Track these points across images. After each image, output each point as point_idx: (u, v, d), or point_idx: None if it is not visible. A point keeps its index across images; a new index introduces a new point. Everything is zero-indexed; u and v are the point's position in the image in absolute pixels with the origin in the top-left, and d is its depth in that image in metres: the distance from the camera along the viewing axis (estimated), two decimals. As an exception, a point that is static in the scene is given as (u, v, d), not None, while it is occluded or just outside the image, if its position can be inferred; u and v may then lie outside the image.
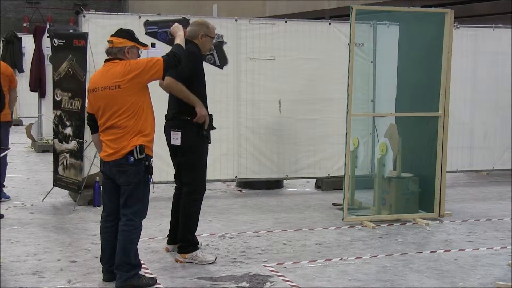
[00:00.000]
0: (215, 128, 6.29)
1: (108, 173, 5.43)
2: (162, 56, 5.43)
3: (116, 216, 5.46)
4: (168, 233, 6.58)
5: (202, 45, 6.24)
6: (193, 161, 6.16)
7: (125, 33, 5.50)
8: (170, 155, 6.35)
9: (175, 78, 5.95)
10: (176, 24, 5.91)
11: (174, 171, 6.46)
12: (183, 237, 6.21)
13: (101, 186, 6.71)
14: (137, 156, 5.27)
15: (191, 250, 6.16)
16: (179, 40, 5.69)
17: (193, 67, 6.03)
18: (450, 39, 7.95)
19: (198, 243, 6.32)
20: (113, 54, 5.44)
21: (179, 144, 6.05)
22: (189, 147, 6.09)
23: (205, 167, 6.26)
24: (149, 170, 5.38)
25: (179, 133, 6.02)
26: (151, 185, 5.57)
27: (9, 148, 10.60)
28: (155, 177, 7.77)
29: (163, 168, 8.38)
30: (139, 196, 5.38)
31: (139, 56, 5.57)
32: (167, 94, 6.27)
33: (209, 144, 6.26)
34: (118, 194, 5.43)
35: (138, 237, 5.47)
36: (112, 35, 5.50)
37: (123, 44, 5.42)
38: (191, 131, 6.04)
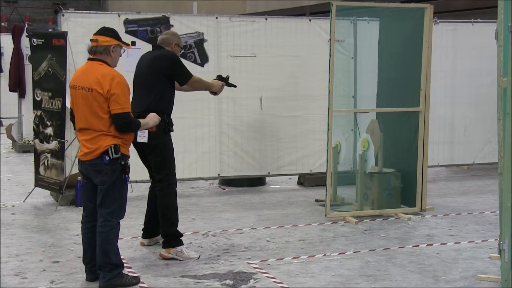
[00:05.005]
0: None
1: (85, 172, 5.41)
2: (128, 115, 5.28)
3: (96, 216, 5.41)
4: (143, 226, 6.67)
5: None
6: (164, 158, 6.26)
7: (110, 32, 5.43)
8: (138, 155, 6.37)
9: (187, 80, 6.39)
10: (154, 115, 5.76)
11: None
12: (166, 232, 6.26)
13: (82, 186, 6.67)
14: (112, 155, 5.22)
15: (176, 244, 6.20)
16: (144, 122, 5.55)
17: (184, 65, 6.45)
18: (430, 34, 7.99)
19: (182, 235, 6.34)
20: (97, 53, 5.35)
21: (146, 141, 6.04)
22: (157, 145, 6.17)
23: (174, 160, 6.36)
24: (125, 169, 5.31)
25: (146, 130, 5.97)
26: (130, 185, 5.51)
27: None
28: (137, 176, 7.76)
29: (145, 166, 8.33)
30: (115, 196, 5.33)
31: (120, 55, 5.53)
32: None
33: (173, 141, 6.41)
34: (96, 194, 5.38)
35: (117, 237, 5.42)
36: (95, 34, 5.42)
37: (109, 42, 5.35)
38: (158, 128, 6.00)
